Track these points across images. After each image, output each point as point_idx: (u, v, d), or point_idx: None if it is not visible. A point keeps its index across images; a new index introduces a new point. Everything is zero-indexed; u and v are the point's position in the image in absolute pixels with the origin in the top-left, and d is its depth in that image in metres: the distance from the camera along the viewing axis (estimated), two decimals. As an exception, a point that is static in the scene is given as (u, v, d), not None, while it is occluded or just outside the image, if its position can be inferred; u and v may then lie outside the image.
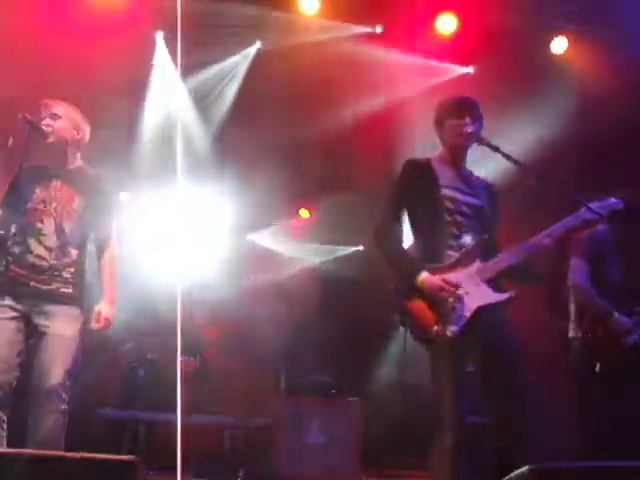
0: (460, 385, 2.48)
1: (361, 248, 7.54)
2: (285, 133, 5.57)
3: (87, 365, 6.31)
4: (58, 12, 4.41)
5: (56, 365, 2.70)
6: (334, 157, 5.81)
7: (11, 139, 2.74)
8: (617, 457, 2.13)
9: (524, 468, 1.84)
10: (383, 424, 5.88)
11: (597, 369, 3.48)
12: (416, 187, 2.70)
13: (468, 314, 2.50)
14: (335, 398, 5.32)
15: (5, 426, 2.69)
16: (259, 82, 5.20)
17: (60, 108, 2.97)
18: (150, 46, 5.00)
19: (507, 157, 2.68)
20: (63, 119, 2.95)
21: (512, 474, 1.96)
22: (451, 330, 2.46)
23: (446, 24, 4.83)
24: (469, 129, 2.69)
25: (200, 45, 4.77)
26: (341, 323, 6.41)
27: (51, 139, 2.88)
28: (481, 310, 2.51)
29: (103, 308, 2.93)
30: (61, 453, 1.84)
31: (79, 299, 2.90)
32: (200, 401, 5.62)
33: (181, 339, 5.80)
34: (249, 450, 5.21)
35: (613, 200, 2.71)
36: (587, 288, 3.56)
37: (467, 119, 2.70)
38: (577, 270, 3.60)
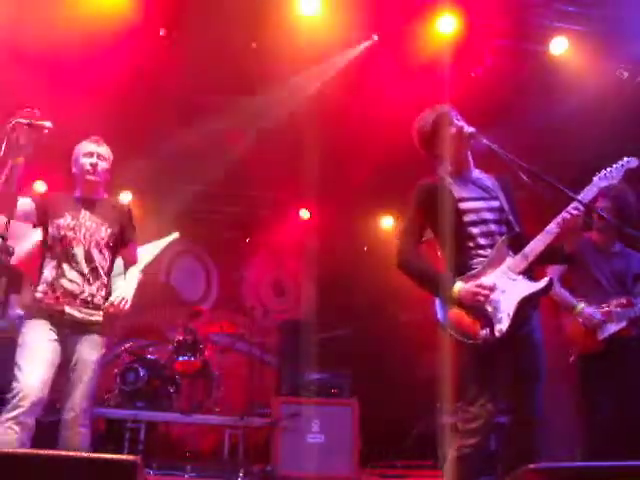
0: (494, 389, 2.51)
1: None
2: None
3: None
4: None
5: (85, 388, 2.89)
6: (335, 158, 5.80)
7: (4, 146, 2.70)
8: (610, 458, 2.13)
9: (524, 467, 1.84)
10: (383, 424, 5.89)
11: (571, 360, 3.58)
12: (433, 209, 2.66)
13: (512, 310, 2.49)
14: (335, 398, 5.33)
15: (31, 435, 2.78)
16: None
17: (106, 150, 3.20)
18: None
19: (504, 158, 2.66)
20: (107, 162, 3.19)
21: (512, 473, 1.96)
22: (498, 330, 2.47)
23: (446, 24, 4.82)
24: (469, 129, 2.67)
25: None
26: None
27: (96, 178, 3.13)
28: (524, 303, 2.51)
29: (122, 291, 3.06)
30: (61, 453, 1.83)
31: (106, 326, 3.06)
32: (200, 401, 5.63)
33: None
34: (249, 450, 5.21)
35: (625, 159, 2.67)
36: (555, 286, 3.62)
37: (459, 122, 2.70)
38: (550, 272, 3.66)
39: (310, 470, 4.69)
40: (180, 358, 5.63)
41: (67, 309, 2.94)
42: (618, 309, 3.49)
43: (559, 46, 4.95)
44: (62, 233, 3.00)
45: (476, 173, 2.81)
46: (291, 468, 4.73)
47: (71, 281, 2.97)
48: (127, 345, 5.90)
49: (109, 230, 3.11)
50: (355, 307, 7.08)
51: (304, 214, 7.50)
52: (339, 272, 7.25)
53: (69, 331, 2.94)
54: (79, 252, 3.00)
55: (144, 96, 5.19)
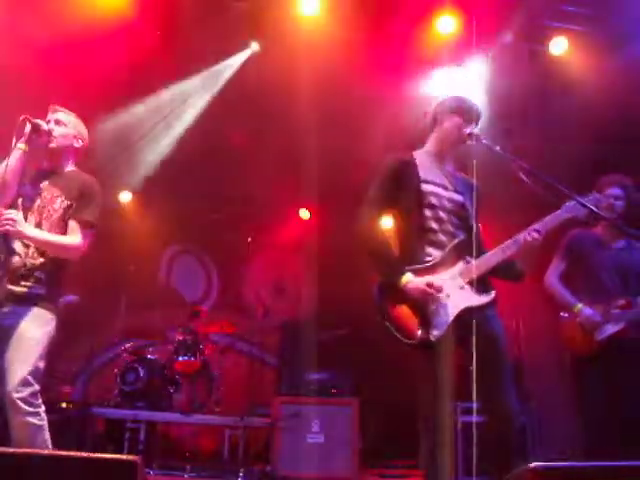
0: (443, 387, 2.46)
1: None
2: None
3: (87, 364, 6.36)
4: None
5: (19, 368, 2.63)
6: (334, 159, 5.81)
7: (14, 140, 2.79)
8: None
9: (524, 467, 1.84)
10: (383, 424, 5.88)
11: (568, 360, 3.58)
12: (397, 183, 2.68)
13: (451, 318, 2.48)
14: (335, 398, 5.32)
15: None
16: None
17: (65, 115, 3.05)
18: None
19: (504, 159, 2.67)
20: (67, 127, 3.03)
21: (512, 473, 1.96)
22: (433, 334, 2.45)
23: (446, 24, 4.82)
24: (468, 129, 2.71)
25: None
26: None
27: (53, 144, 2.96)
28: (463, 313, 2.49)
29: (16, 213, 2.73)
30: (61, 453, 1.83)
31: (52, 301, 2.87)
32: (200, 401, 5.63)
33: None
34: (249, 450, 5.21)
35: (597, 196, 2.72)
36: (554, 284, 3.69)
37: (467, 118, 2.73)
38: (550, 270, 3.74)
39: (310, 470, 4.68)
40: (180, 358, 5.62)
41: (4, 283, 2.74)
42: (617, 310, 3.48)
43: (559, 46, 4.95)
44: (18, 202, 2.80)
45: (450, 167, 2.82)
46: (291, 468, 4.73)
47: (16, 253, 2.80)
48: (127, 345, 5.90)
49: (65, 202, 2.92)
50: (355, 307, 7.07)
51: (304, 214, 7.50)
52: (339, 272, 7.25)
53: (4, 305, 2.73)
54: (30, 223, 2.82)
55: (144, 96, 5.20)
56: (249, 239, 6.97)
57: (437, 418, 2.43)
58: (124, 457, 1.80)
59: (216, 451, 5.50)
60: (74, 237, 2.89)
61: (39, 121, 2.85)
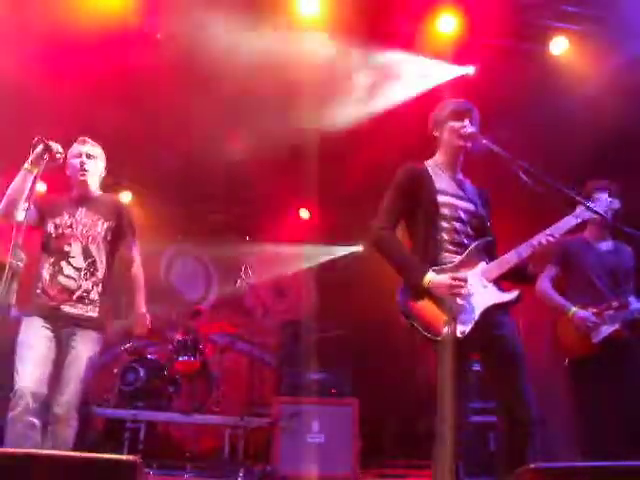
0: (463, 385, 2.49)
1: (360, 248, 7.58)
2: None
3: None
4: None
5: (75, 384, 2.95)
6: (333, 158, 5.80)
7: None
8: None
9: (524, 467, 1.84)
10: (383, 424, 5.88)
11: (565, 363, 3.60)
12: (413, 194, 2.70)
13: (477, 315, 2.49)
14: (335, 398, 5.32)
15: (39, 432, 2.87)
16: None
17: (94, 149, 3.28)
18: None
19: (504, 159, 2.67)
20: (96, 159, 3.27)
21: (512, 473, 1.96)
22: (461, 331, 2.46)
23: (446, 24, 4.83)
24: (469, 130, 2.72)
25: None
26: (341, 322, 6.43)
27: (85, 177, 3.21)
28: (489, 310, 2.51)
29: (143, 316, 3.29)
30: (61, 453, 1.84)
31: (102, 322, 3.16)
32: (200, 401, 5.63)
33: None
34: (249, 450, 5.20)
35: (609, 200, 2.75)
36: (546, 289, 3.72)
37: (467, 122, 2.75)
38: (543, 276, 3.77)
39: (310, 470, 4.68)
40: (180, 358, 5.62)
41: (62, 306, 3.02)
42: (611, 311, 3.51)
43: (559, 46, 4.95)
44: (60, 231, 3.10)
45: (461, 176, 2.85)
46: (291, 468, 4.72)
47: (68, 277, 3.06)
48: (127, 345, 5.89)
49: (105, 224, 3.21)
50: (355, 307, 7.08)
51: (304, 214, 7.50)
52: (339, 272, 7.26)
53: (65, 327, 3.01)
54: (76, 248, 3.10)
55: (145, 98, 5.18)
56: (248, 239, 6.99)
57: (446, 417, 2.43)
58: (124, 457, 1.80)
59: (216, 451, 5.50)
60: (138, 260, 3.36)
61: (52, 144, 2.88)
